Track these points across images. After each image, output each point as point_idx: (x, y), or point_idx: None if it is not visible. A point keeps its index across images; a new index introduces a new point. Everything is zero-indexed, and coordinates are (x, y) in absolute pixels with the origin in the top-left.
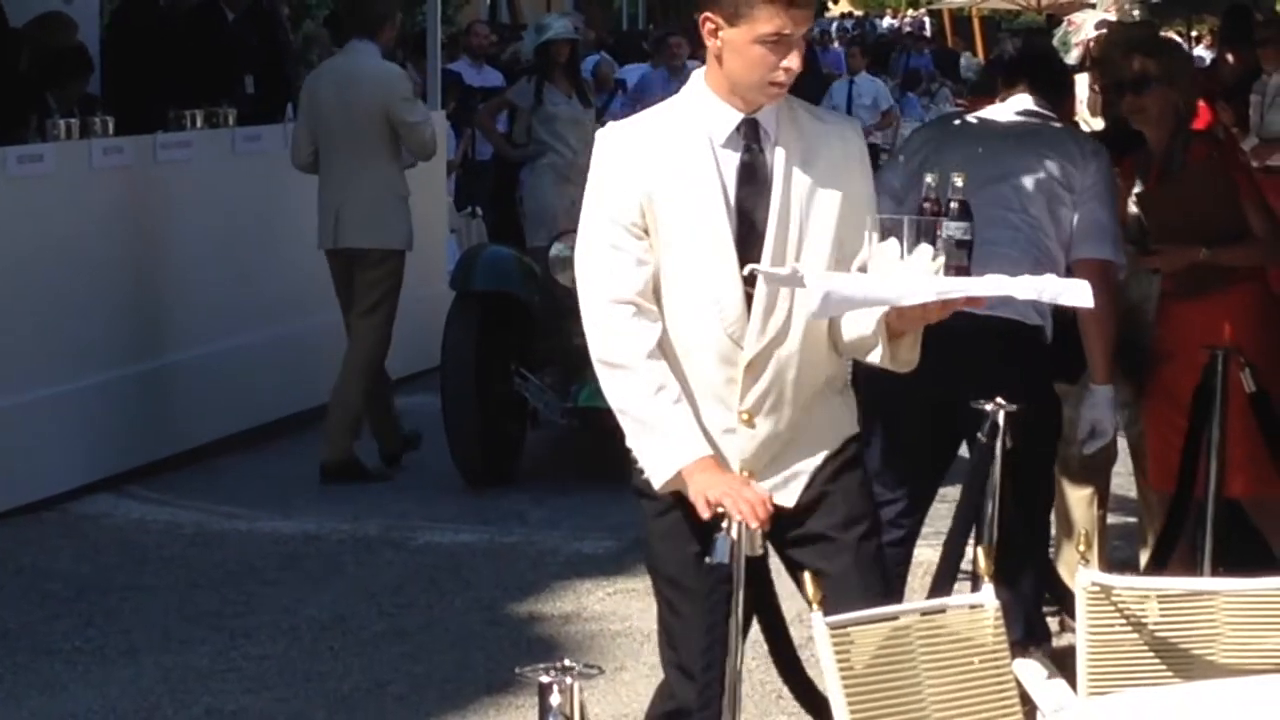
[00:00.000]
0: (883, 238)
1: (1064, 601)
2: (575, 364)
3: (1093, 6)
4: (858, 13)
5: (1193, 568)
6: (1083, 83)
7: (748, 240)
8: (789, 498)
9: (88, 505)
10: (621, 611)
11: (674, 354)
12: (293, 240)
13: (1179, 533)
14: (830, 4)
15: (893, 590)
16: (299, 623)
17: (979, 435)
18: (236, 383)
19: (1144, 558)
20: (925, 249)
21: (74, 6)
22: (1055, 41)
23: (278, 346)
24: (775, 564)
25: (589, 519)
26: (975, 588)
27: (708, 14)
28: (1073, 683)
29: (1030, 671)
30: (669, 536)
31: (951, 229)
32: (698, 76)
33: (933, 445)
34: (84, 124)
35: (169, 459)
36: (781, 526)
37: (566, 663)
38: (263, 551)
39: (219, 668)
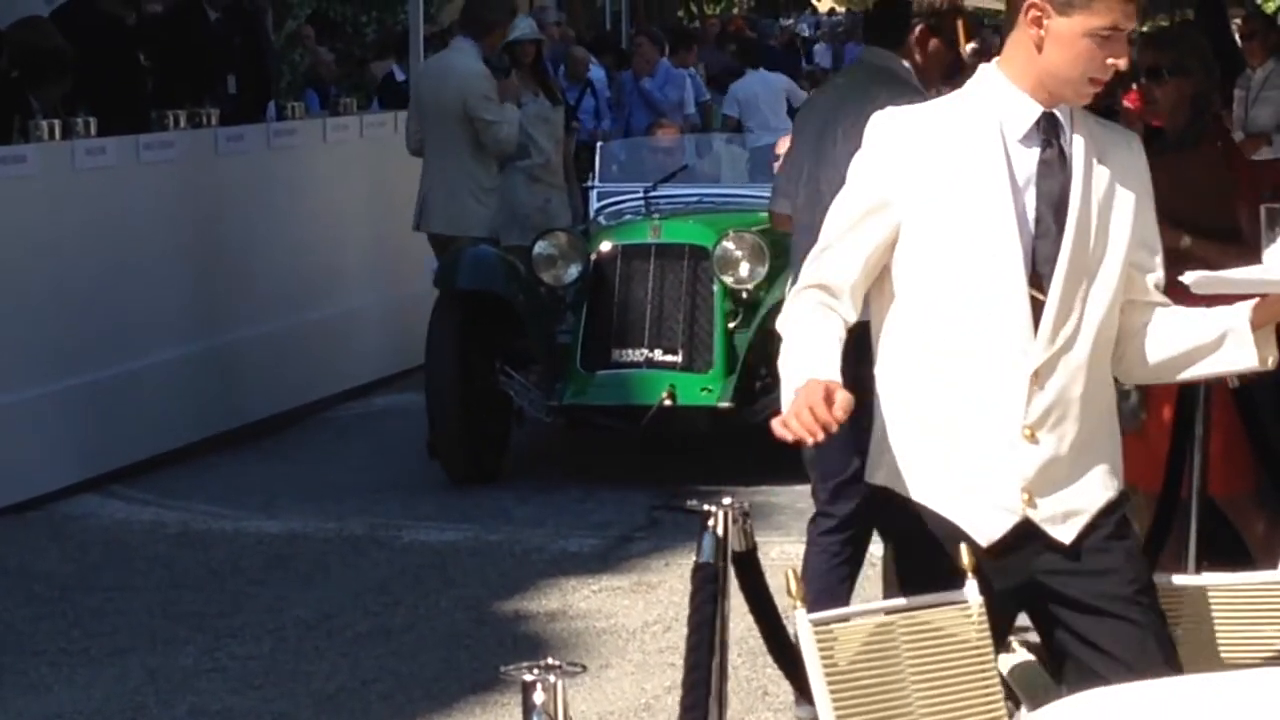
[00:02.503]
0: None
1: None
2: (559, 362)
3: None
4: (840, 9)
5: (1178, 563)
6: None
7: (1044, 240)
8: (1067, 534)
9: (72, 505)
10: (606, 609)
11: (951, 360)
12: (276, 240)
13: (1168, 531)
14: (814, 1)
15: (1173, 660)
16: (284, 622)
17: None
18: (219, 383)
19: None
20: None
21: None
22: None
23: (262, 346)
24: (770, 556)
25: (574, 517)
26: (958, 584)
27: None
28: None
29: (1014, 666)
30: (917, 549)
31: None
32: (987, 68)
33: None
34: (66, 125)
35: (153, 459)
36: (1046, 561)
37: (550, 661)
38: (248, 551)
39: (204, 667)
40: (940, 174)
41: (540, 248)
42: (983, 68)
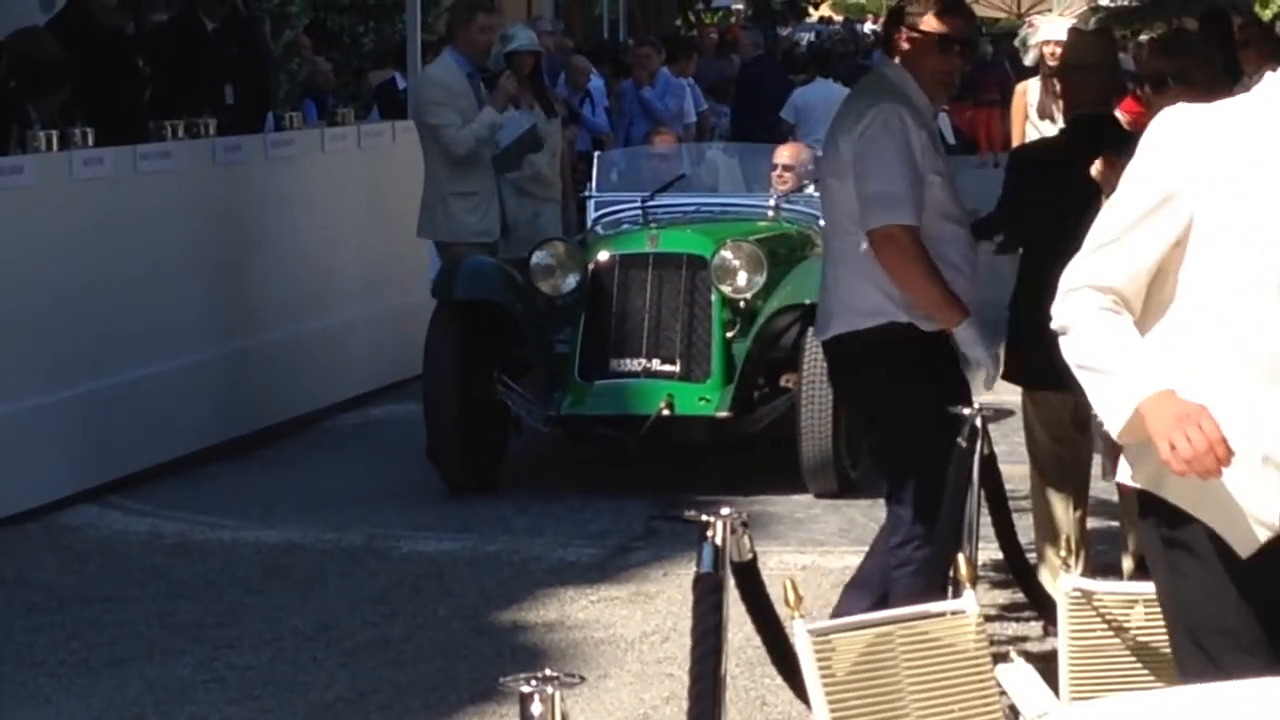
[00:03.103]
0: None
1: (1045, 607)
2: (557, 371)
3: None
4: (838, 18)
5: None
6: (1035, 87)
7: None
8: None
9: (70, 516)
10: (605, 619)
11: (1220, 369)
12: (274, 250)
13: None
14: (810, 9)
15: None
16: (282, 633)
17: (959, 440)
18: (216, 393)
19: (1126, 561)
20: None
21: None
22: (1016, 42)
23: (260, 356)
24: (768, 566)
25: (572, 526)
26: (956, 593)
27: None
28: (1055, 688)
29: (1012, 677)
30: (1215, 589)
31: None
32: (1276, 76)
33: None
34: (64, 135)
35: (151, 469)
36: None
37: (548, 672)
38: (246, 561)
39: (203, 678)
40: (1233, 173)
41: (538, 257)
42: (1270, 74)
